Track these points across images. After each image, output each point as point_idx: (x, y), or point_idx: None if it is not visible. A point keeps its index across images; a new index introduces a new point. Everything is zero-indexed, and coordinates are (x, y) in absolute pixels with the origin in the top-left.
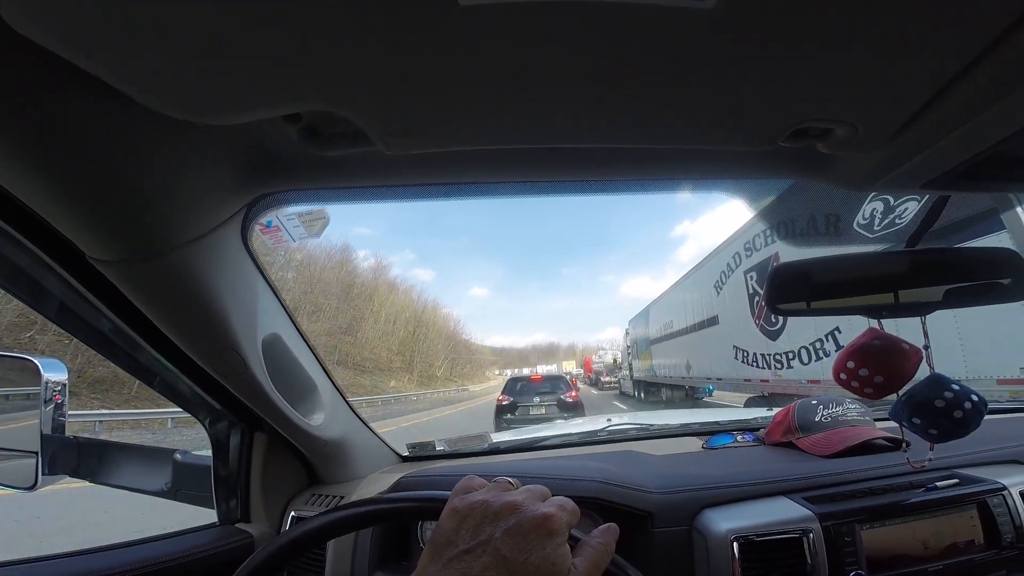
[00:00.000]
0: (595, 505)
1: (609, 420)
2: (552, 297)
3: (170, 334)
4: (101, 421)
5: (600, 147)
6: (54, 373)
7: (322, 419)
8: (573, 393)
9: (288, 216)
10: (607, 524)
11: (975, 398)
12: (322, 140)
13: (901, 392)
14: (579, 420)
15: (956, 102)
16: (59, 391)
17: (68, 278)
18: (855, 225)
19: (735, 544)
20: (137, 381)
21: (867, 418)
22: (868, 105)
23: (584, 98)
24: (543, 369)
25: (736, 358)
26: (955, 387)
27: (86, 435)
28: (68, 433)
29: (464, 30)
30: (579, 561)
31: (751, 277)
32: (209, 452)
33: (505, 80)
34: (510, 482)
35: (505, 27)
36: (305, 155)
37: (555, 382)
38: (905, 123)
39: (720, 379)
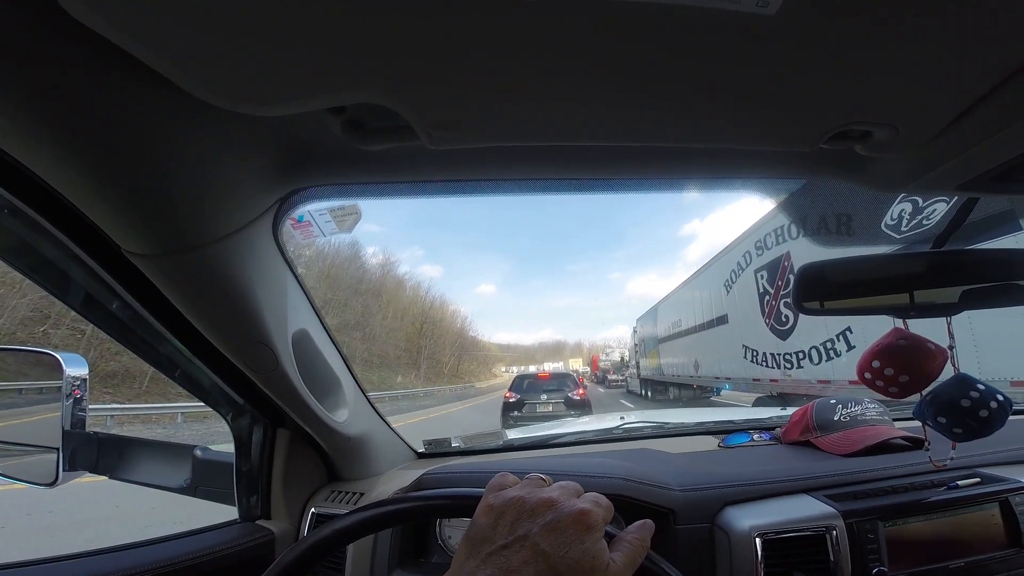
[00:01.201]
0: (617, 502)
1: (623, 418)
2: (559, 294)
3: (203, 329)
4: (113, 415)
5: (640, 146)
6: (75, 368)
7: (346, 415)
8: (580, 391)
9: (320, 211)
10: (642, 520)
11: (1000, 398)
12: (365, 133)
13: (925, 392)
14: (587, 418)
15: (997, 108)
16: (79, 386)
17: (100, 272)
18: (883, 225)
19: (758, 541)
20: (148, 376)
21: (886, 418)
22: (912, 108)
23: (634, 97)
24: (550, 367)
25: (745, 357)
26: (981, 387)
27: (99, 429)
28: (86, 428)
29: (520, 23)
30: (617, 556)
31: (761, 276)
32: (227, 448)
33: (557, 75)
34: (542, 478)
35: (562, 22)
36: (343, 149)
37: (562, 379)
38: (946, 126)
39: (729, 378)
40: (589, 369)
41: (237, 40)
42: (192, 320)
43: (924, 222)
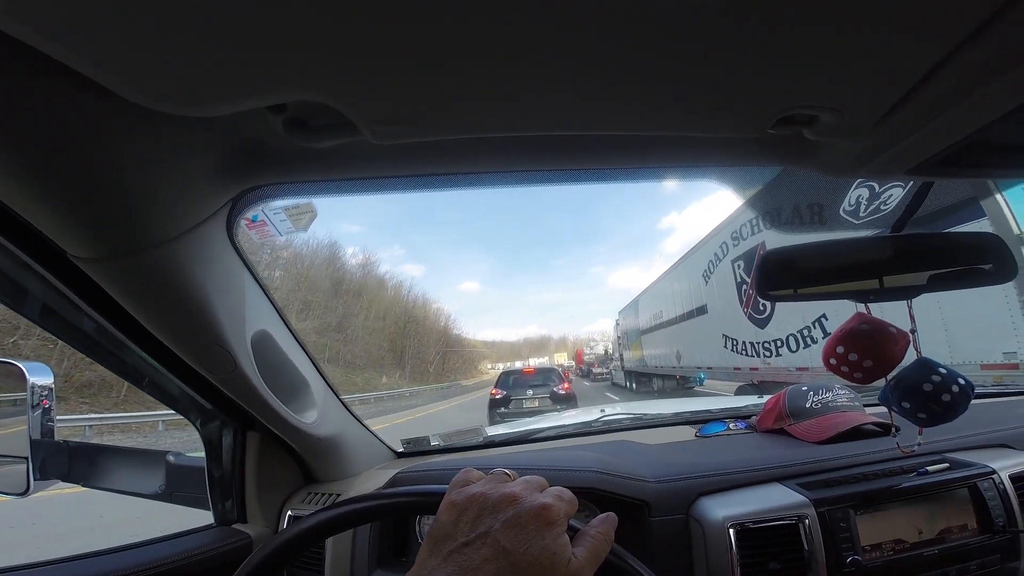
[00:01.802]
0: (592, 495)
1: (603, 411)
2: (543, 289)
3: (156, 332)
4: (91, 425)
5: (589, 134)
6: (40, 377)
7: (315, 416)
8: (566, 385)
9: (274, 210)
10: (606, 513)
11: (962, 382)
12: (309, 131)
13: (890, 376)
14: (572, 412)
15: (939, 89)
16: (46, 395)
17: (50, 278)
18: (841, 212)
19: (732, 531)
20: (126, 384)
21: (857, 404)
22: (853, 91)
23: (575, 84)
24: (535, 362)
25: (725, 347)
26: (942, 371)
27: (76, 440)
28: (58, 438)
29: (454, 13)
30: (579, 551)
31: (738, 266)
32: (202, 453)
33: (495, 65)
34: (507, 474)
35: (496, 10)
36: (291, 147)
37: (547, 374)
38: (890, 109)
39: (710, 368)
40: (574, 363)
41: (162, 41)
42: (144, 323)
43: (882, 207)
